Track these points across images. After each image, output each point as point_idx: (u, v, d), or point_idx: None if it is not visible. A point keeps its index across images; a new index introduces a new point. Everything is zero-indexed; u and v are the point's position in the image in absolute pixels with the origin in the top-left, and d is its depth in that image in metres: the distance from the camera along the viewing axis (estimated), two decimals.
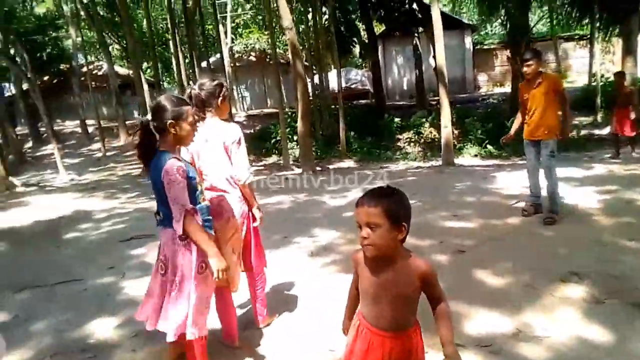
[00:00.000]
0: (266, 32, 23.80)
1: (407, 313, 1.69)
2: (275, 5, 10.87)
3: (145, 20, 17.25)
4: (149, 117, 2.39)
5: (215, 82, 2.91)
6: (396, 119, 15.40)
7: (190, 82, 24.02)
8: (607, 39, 16.46)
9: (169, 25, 18.16)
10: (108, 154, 17.30)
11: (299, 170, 10.69)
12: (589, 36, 16.76)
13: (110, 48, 25.28)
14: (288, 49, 13.71)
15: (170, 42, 20.45)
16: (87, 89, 22.19)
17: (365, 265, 1.72)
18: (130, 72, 21.20)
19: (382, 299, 1.66)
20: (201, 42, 21.77)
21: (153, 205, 7.25)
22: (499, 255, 4.20)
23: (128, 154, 17.72)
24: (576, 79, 22.03)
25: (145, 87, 17.75)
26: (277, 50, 23.49)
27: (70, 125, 24.66)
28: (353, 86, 24.36)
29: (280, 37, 22.21)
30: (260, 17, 28.27)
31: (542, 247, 4.32)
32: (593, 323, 2.90)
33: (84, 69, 23.02)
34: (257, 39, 27.13)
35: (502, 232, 4.90)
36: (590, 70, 14.35)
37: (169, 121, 2.33)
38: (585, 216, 5.19)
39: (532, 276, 3.66)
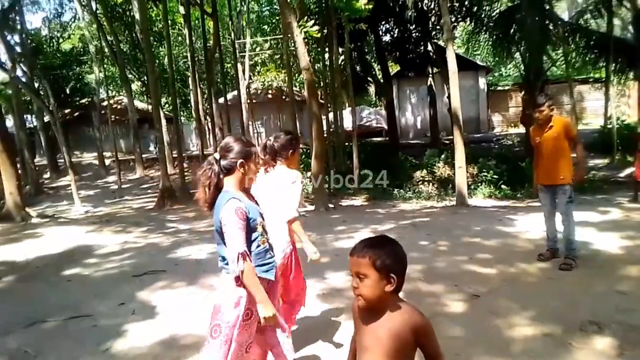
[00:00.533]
0: (283, 71, 24.33)
1: None
2: (293, 46, 11.14)
3: (166, 57, 17.74)
4: (216, 156, 2.41)
5: (290, 137, 3.24)
6: (409, 158, 15.43)
7: (208, 117, 24.61)
8: (622, 82, 16.50)
9: (189, 63, 18.63)
10: (124, 186, 17.51)
11: (312, 207, 10.68)
12: (604, 79, 16.81)
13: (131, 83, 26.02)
14: (304, 86, 13.96)
15: (190, 79, 20.98)
16: (107, 122, 22.76)
17: (358, 315, 1.70)
18: (149, 106, 21.70)
19: (374, 352, 1.62)
20: (219, 80, 22.29)
21: (164, 240, 7.29)
22: (516, 301, 4.09)
23: (144, 186, 17.93)
24: (591, 121, 22.00)
25: (164, 122, 18.11)
26: (293, 88, 24.02)
27: (88, 158, 25.14)
28: (367, 124, 24.60)
29: (296, 75, 22.68)
30: (277, 56, 28.95)
31: (560, 294, 4.21)
32: None
33: (105, 103, 23.66)
34: (274, 77, 27.71)
35: (518, 277, 4.80)
36: (606, 112, 14.33)
37: (240, 161, 2.37)
38: (604, 263, 5.06)
39: (550, 325, 3.55)
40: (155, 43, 24.87)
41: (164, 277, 5.63)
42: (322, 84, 18.24)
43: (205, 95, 22.86)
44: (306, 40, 11.54)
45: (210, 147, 19.68)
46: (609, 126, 14.74)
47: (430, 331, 1.63)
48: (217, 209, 2.31)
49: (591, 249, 5.58)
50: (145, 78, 21.37)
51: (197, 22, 21.87)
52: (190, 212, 11.37)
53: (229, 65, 27.80)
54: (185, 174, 14.88)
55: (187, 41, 17.91)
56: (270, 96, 27.01)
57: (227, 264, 2.32)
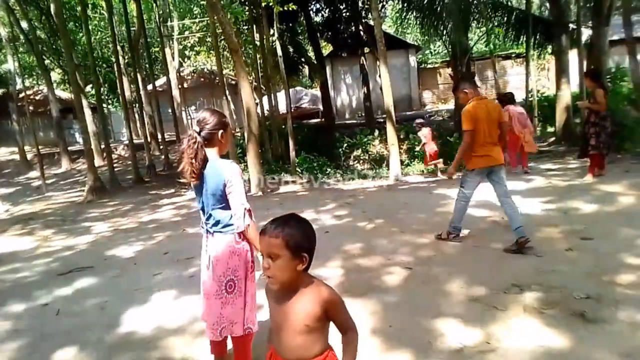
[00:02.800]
0: (214, 54, 23.66)
1: (312, 342, 1.64)
2: (221, 28, 10.78)
3: (88, 44, 16.70)
4: (196, 129, 2.57)
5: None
6: (346, 138, 15.56)
7: (136, 105, 23.58)
8: (540, 56, 17.38)
9: (114, 49, 17.64)
10: (48, 182, 16.47)
11: (249, 193, 10.55)
12: (524, 54, 17.65)
13: (52, 72, 24.45)
14: None
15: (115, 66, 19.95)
16: (26, 114, 21.27)
17: (271, 294, 1.71)
18: (72, 95, 20.45)
19: (286, 329, 1.64)
20: (147, 65, 21.34)
21: (91, 236, 6.92)
22: (445, 270, 4.24)
23: (70, 180, 16.99)
24: (514, 94, 23.08)
25: (88, 111, 17.15)
26: (227, 70, 23.42)
27: (7, 153, 23.46)
28: (304, 106, 24.53)
29: (229, 58, 22.15)
30: (208, 40, 28.13)
31: (487, 261, 4.40)
32: (535, 334, 2.95)
33: (22, 94, 22.06)
34: (206, 60, 26.93)
35: (448, 247, 4.97)
36: (527, 86, 15.07)
37: (220, 131, 2.59)
38: (528, 229, 5.32)
39: (477, 290, 3.71)
40: (75, 29, 23.39)
41: (92, 274, 5.36)
42: (255, 67, 17.91)
43: (133, 82, 21.87)
44: (234, 21, 11.23)
45: (141, 136, 18.84)
46: (530, 99, 15.52)
47: (339, 304, 1.65)
48: (215, 173, 2.50)
49: None
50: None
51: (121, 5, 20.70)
52: (120, 206, 10.90)
53: (156, 49, 26.71)
54: (115, 164, 14.22)
55: (109, 26, 16.92)
56: (203, 80, 26.26)
57: (224, 226, 2.55)
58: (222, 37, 13.20)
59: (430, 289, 3.84)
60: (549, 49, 15.49)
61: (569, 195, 6.73)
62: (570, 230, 5.06)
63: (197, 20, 27.22)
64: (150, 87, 19.54)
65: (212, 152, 2.58)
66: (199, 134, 2.55)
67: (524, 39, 14.93)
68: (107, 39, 25.14)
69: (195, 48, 28.17)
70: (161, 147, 18.11)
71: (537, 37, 15.14)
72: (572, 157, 10.80)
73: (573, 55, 14.00)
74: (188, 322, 3.65)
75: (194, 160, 2.51)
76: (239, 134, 18.33)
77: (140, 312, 4.03)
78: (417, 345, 2.96)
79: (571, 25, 13.94)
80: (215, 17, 10.72)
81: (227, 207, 2.55)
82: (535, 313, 3.23)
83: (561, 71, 13.46)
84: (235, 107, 22.31)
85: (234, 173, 2.49)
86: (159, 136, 18.51)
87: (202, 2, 25.14)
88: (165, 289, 4.55)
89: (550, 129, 15.37)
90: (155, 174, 15.59)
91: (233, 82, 21.93)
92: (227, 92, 15.43)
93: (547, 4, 16.90)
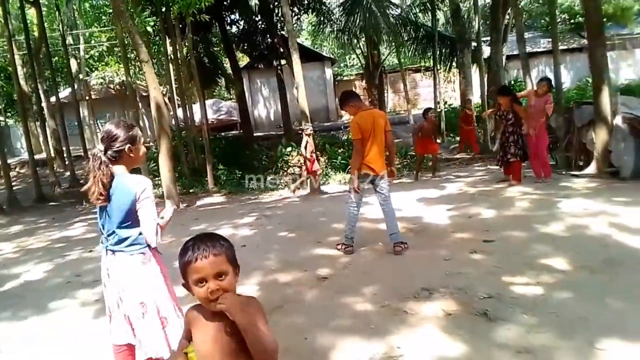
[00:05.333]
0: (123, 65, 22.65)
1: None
2: (129, 37, 10.33)
3: None
4: (101, 147, 2.43)
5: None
6: (264, 150, 15.51)
7: (38, 118, 21.94)
8: (446, 70, 18.49)
9: (12, 58, 16.30)
10: None
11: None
12: (432, 67, 18.68)
13: None
14: None
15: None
16: None
17: (205, 321, 1.52)
18: None
19: (227, 348, 1.47)
20: (50, 76, 19.94)
21: None
22: (359, 279, 4.32)
23: None
24: (424, 105, 24.33)
25: None
26: (139, 82, 22.50)
27: None
28: (222, 117, 24.15)
29: (141, 69, 21.32)
30: (117, 49, 26.90)
31: (398, 268, 4.54)
32: (442, 335, 3.07)
33: None
34: (116, 71, 25.71)
35: (362, 256, 5.08)
36: (435, 97, 15.94)
37: (127, 146, 2.44)
38: (436, 234, 5.61)
39: (388, 297, 3.81)
40: None
41: None
42: (169, 78, 17.36)
43: (34, 94, 20.34)
44: (144, 30, 10.81)
45: (44, 152, 17.55)
46: (438, 110, 16.41)
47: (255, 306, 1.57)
48: (123, 190, 2.39)
49: (427, 222, 6.15)
50: None
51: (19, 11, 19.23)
52: (20, 226, 10.05)
53: (61, 59, 25.14)
54: (14, 183, 13.11)
55: (6, 33, 15.65)
56: (113, 91, 25.01)
57: (128, 246, 2.42)
58: (132, 47, 12.69)
59: (344, 299, 3.89)
60: (454, 63, 16.51)
61: (475, 201, 7.16)
62: (474, 234, 5.36)
63: (105, 28, 25.94)
64: (53, 99, 18.26)
65: (119, 168, 2.46)
66: (104, 152, 2.42)
67: (431, 53, 15.81)
68: (4, 47, 23.24)
69: (104, 58, 26.82)
70: (67, 162, 16.95)
71: (443, 52, 16.11)
72: (479, 164, 11.53)
73: (476, 69, 15.03)
74: (93, 354, 3.40)
75: (100, 182, 2.38)
76: (154, 148, 17.64)
77: (38, 348, 3.70)
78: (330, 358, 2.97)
79: (473, 43, 14.97)
80: (123, 26, 10.27)
81: (133, 225, 2.43)
82: (443, 315, 3.37)
83: (465, 84, 14.40)
84: (149, 119, 21.48)
85: (145, 187, 2.39)
86: (64, 151, 17.32)
87: (109, 11, 24.02)
88: (67, 318, 4.23)
89: (457, 138, 16.31)
90: (60, 191, 14.55)
91: (145, 94, 21.11)
92: (140, 104, 14.84)
93: (451, 21, 18.05)
